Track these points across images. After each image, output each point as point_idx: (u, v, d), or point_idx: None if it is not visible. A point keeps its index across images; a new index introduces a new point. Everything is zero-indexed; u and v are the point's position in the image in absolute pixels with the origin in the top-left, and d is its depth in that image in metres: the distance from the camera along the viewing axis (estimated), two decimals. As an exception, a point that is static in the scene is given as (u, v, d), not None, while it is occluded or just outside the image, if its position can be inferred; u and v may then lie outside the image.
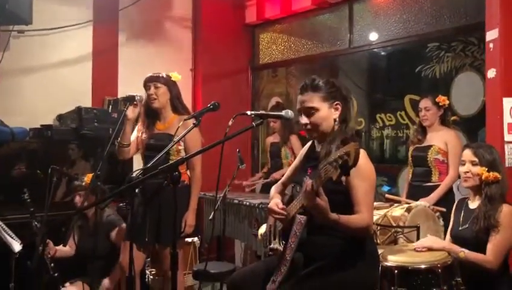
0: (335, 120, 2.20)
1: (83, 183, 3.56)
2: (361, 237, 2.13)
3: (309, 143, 2.40)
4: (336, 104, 2.21)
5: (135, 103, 3.15)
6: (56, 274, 3.33)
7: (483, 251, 2.50)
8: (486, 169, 2.58)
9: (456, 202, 2.91)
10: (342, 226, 2.01)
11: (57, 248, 3.55)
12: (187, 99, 5.28)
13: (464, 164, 2.69)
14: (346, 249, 2.09)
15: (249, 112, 2.20)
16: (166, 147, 2.55)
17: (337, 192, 2.02)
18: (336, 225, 1.99)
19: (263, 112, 2.36)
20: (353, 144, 1.76)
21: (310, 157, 2.29)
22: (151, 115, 3.30)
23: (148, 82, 3.28)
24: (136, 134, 3.34)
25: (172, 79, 3.31)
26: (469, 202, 2.72)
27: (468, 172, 2.66)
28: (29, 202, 3.47)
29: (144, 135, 3.30)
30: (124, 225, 3.52)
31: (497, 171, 2.57)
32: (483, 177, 2.59)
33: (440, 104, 3.79)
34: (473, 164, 2.65)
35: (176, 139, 2.84)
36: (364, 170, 1.96)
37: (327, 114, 2.20)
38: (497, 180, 2.57)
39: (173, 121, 3.27)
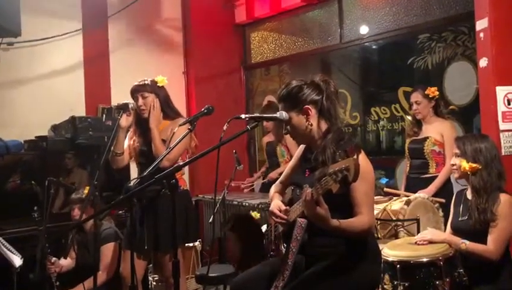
0: (311, 124, 2.15)
1: (83, 196, 3.53)
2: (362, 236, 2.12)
3: None
4: (305, 109, 2.15)
5: (128, 111, 3.11)
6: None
7: (484, 241, 2.51)
8: (466, 160, 2.59)
9: (455, 193, 2.91)
10: (344, 232, 2.00)
11: (62, 264, 3.54)
12: (181, 102, 5.31)
13: (453, 156, 2.71)
14: (347, 248, 2.08)
15: (243, 116, 2.18)
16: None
17: (336, 193, 2.01)
18: (338, 231, 1.98)
19: (257, 114, 2.36)
20: (352, 158, 1.74)
21: (306, 158, 2.29)
22: (143, 122, 3.23)
23: (135, 93, 3.19)
24: (128, 142, 3.28)
25: (158, 84, 3.22)
26: (467, 193, 2.72)
27: (454, 164, 2.68)
28: (39, 220, 3.38)
29: (137, 143, 3.26)
30: (116, 242, 3.54)
31: (478, 162, 2.56)
32: (461, 169, 2.60)
33: (430, 96, 3.79)
34: (456, 155, 2.66)
35: (171, 146, 2.81)
36: (363, 171, 1.96)
37: (298, 121, 2.16)
38: (476, 171, 2.56)
39: (165, 126, 3.21)
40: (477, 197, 2.57)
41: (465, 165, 2.58)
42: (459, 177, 2.71)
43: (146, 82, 3.20)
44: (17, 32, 4.02)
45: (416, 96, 3.83)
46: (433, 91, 3.79)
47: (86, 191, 3.53)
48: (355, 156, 1.74)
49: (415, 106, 3.83)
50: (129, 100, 3.18)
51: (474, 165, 2.57)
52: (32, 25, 4.43)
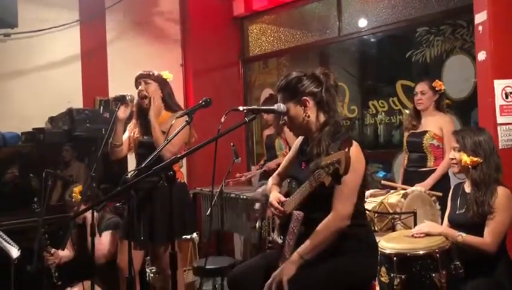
0: (308, 116, 2.15)
1: (73, 200, 3.50)
2: (359, 229, 2.12)
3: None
4: (303, 100, 2.14)
5: (126, 102, 3.13)
6: (60, 283, 3.33)
7: (481, 234, 2.52)
8: (466, 154, 2.59)
9: (452, 186, 2.92)
10: (315, 247, 2.05)
11: (61, 255, 3.54)
12: (178, 95, 5.26)
13: (452, 150, 2.71)
14: (344, 241, 2.08)
15: (241, 108, 2.18)
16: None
17: (329, 186, 1.99)
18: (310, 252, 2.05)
19: (255, 107, 2.37)
20: (344, 151, 1.73)
21: (303, 150, 2.29)
22: (144, 113, 3.25)
23: (139, 79, 3.26)
24: (128, 134, 3.31)
25: (163, 77, 3.28)
26: (465, 186, 2.73)
27: (453, 159, 2.68)
28: (38, 211, 3.40)
29: (137, 134, 3.28)
30: (115, 231, 3.53)
31: (478, 155, 2.57)
32: (462, 163, 2.60)
33: (436, 88, 3.79)
34: (456, 150, 2.66)
35: (169, 138, 2.81)
36: (353, 161, 1.95)
37: (295, 112, 2.16)
38: (477, 164, 2.57)
39: (166, 118, 3.23)
40: (476, 191, 2.57)
41: (466, 159, 2.58)
42: (459, 172, 2.69)
43: (152, 72, 3.26)
44: (14, 23, 4.00)
45: (422, 86, 3.82)
46: (440, 85, 3.80)
47: (76, 195, 3.48)
48: (346, 149, 1.74)
49: (419, 96, 3.81)
50: (127, 92, 3.19)
51: (475, 158, 2.57)
52: (29, 16, 4.41)
